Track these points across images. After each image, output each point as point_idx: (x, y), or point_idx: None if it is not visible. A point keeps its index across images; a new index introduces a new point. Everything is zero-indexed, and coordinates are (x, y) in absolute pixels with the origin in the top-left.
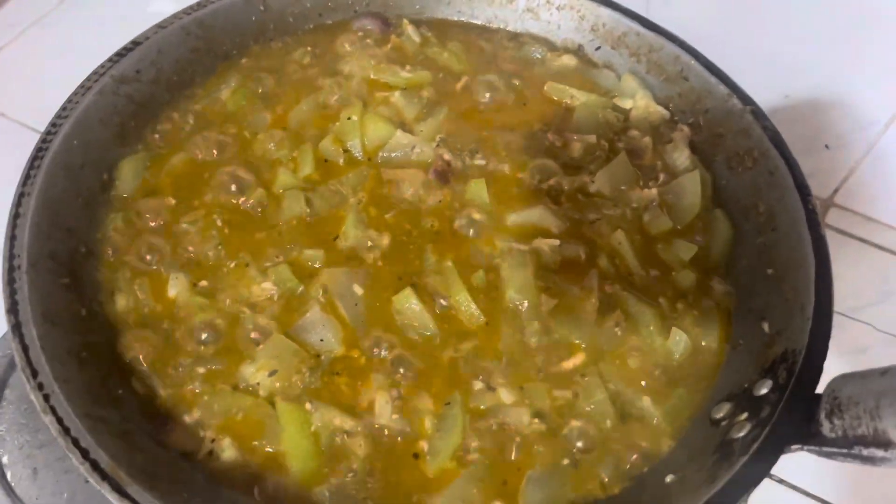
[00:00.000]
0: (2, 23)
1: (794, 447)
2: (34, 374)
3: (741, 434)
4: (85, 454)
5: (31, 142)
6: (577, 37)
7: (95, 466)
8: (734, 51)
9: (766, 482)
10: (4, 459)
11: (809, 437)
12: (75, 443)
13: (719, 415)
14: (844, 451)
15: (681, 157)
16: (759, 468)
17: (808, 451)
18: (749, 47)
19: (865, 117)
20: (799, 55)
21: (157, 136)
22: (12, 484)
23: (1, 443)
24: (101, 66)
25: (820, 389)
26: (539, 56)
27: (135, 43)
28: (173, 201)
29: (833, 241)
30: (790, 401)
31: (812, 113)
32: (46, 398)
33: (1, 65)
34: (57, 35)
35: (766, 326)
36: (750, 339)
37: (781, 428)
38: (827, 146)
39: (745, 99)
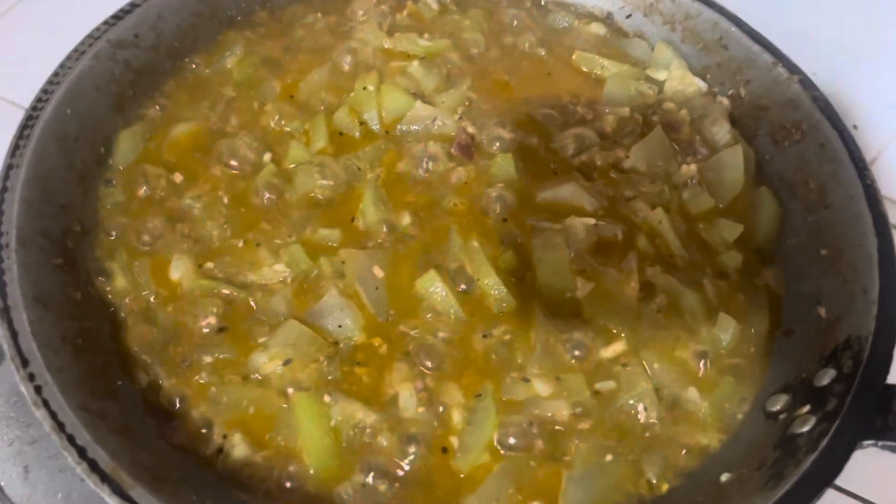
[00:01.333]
0: None
1: (867, 443)
2: (24, 363)
3: (805, 429)
4: (82, 453)
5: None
6: (606, 4)
7: (94, 467)
8: (761, 26)
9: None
10: None
11: (885, 431)
12: (71, 440)
13: (775, 407)
14: None
15: (721, 131)
16: (831, 465)
17: (883, 446)
18: (776, 23)
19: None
20: (828, 32)
21: (157, 106)
22: (1, 483)
23: None
24: (97, 28)
25: (891, 378)
26: (566, 24)
27: (133, 5)
28: (175, 176)
29: None
30: (860, 392)
31: (840, 92)
32: (38, 390)
33: None
34: (46, 11)
35: (822, 311)
36: (804, 325)
37: (852, 421)
38: (855, 126)
39: (792, 68)
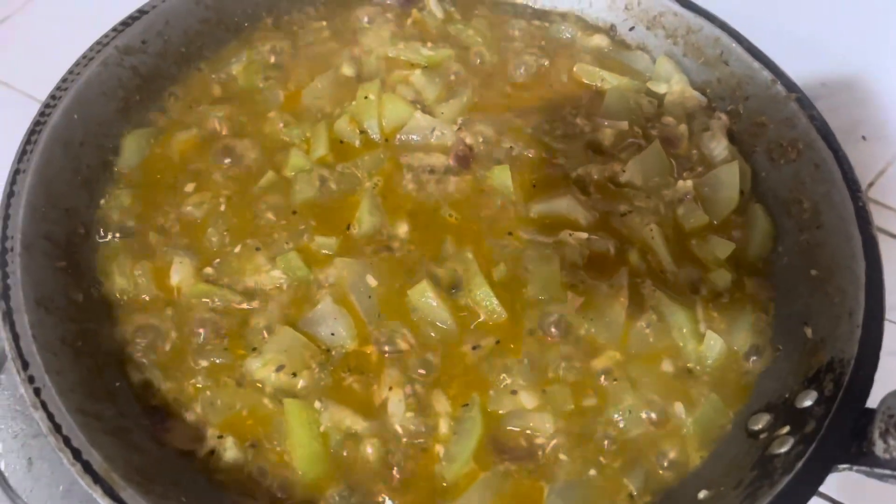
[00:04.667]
0: None
1: (842, 466)
2: (25, 365)
3: (783, 450)
4: (77, 454)
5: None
6: (609, 16)
7: (88, 468)
8: (770, 36)
9: None
10: None
11: (860, 456)
12: (67, 441)
13: (757, 426)
14: None
15: (718, 146)
16: (804, 488)
17: (858, 471)
18: (786, 32)
19: None
20: (838, 42)
21: (162, 112)
22: (6, 474)
23: None
24: (105, 35)
25: (870, 403)
26: (568, 36)
27: (141, 12)
28: (178, 182)
29: None
30: (838, 415)
31: (850, 103)
32: (37, 392)
33: (7, 33)
34: (65, 3)
35: (808, 332)
36: (791, 344)
37: (829, 445)
38: (864, 137)
39: (791, 86)
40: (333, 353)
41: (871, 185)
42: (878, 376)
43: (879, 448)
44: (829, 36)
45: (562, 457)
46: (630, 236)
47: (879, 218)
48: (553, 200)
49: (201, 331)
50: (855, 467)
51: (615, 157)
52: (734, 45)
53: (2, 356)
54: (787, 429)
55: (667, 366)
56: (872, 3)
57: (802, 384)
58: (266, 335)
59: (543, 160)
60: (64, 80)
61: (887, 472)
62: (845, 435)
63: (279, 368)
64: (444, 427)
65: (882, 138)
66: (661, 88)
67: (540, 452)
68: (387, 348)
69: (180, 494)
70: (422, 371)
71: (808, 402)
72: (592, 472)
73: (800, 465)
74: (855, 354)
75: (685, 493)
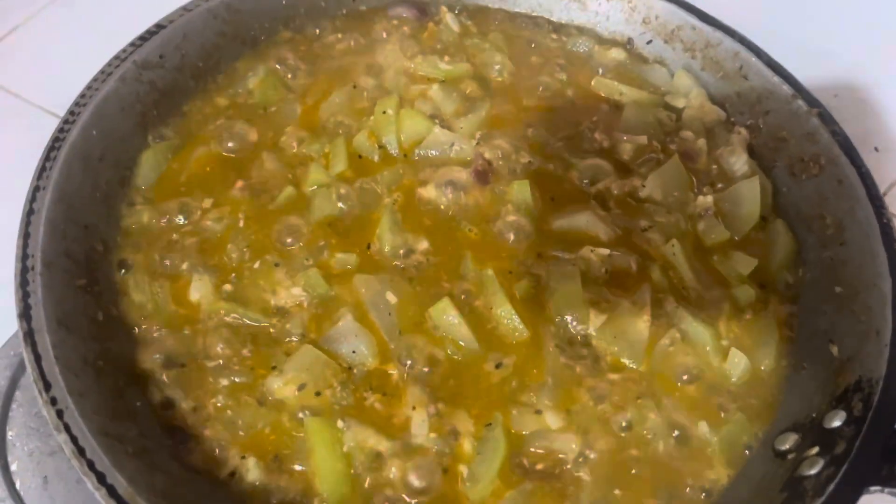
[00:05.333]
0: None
1: (873, 489)
2: (47, 386)
3: (814, 471)
4: (101, 478)
5: (47, 125)
6: (626, 29)
7: (112, 492)
8: (783, 46)
9: None
10: (14, 467)
11: (891, 477)
12: (91, 466)
13: (784, 446)
14: None
15: (738, 161)
16: None
17: (890, 493)
18: (798, 43)
19: None
20: (851, 53)
21: (180, 126)
22: (21, 493)
23: (10, 449)
24: (123, 50)
25: None
26: (586, 49)
27: (158, 26)
28: (196, 197)
29: None
30: (868, 436)
31: (862, 113)
32: (60, 414)
33: (17, 43)
34: (77, 13)
35: (834, 350)
36: (816, 363)
37: (860, 467)
38: (876, 148)
39: (812, 101)
40: (355, 371)
41: (883, 195)
42: None
43: None
44: (841, 47)
45: (586, 477)
46: (651, 252)
47: None
48: (573, 216)
49: (221, 349)
50: (887, 490)
51: (635, 172)
52: (754, 59)
53: (16, 373)
54: (816, 449)
55: (691, 384)
56: (884, 15)
57: (830, 404)
58: (287, 353)
59: (562, 175)
60: (82, 95)
61: None
62: (875, 456)
63: (301, 387)
64: (467, 447)
65: (894, 150)
66: (679, 102)
67: (565, 472)
68: (408, 366)
69: None
70: (444, 390)
71: (837, 423)
72: (617, 491)
73: (831, 487)
74: (884, 374)
75: None
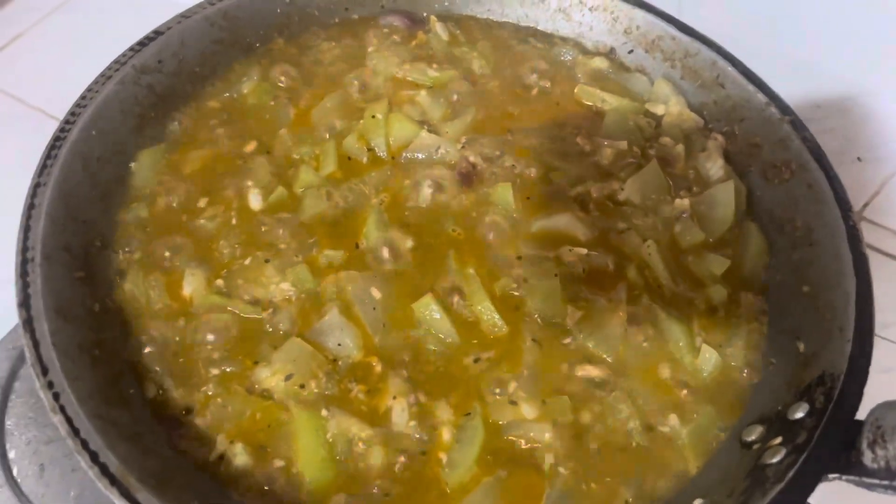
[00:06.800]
0: (24, 6)
1: (831, 476)
2: (44, 371)
3: (775, 460)
4: (94, 457)
5: (49, 129)
6: (609, 39)
7: (105, 470)
8: (766, 57)
9: None
10: (11, 455)
11: (849, 466)
12: (84, 445)
13: (751, 437)
14: (886, 482)
15: (714, 166)
16: (795, 497)
17: (847, 480)
18: (781, 54)
19: None
20: (833, 64)
21: (177, 128)
22: (18, 480)
23: (8, 437)
24: (123, 55)
25: (860, 415)
26: (570, 58)
27: (157, 32)
28: (191, 196)
29: None
30: (828, 427)
31: (844, 124)
32: (56, 397)
33: (22, 50)
34: (79, 20)
35: (801, 346)
36: (784, 359)
37: (819, 455)
38: (859, 158)
39: (784, 109)
40: (340, 363)
41: (866, 205)
42: (872, 392)
43: (867, 458)
44: (824, 59)
45: (560, 465)
46: (628, 252)
47: (875, 238)
48: (553, 217)
49: (212, 340)
50: (844, 477)
51: (614, 176)
52: (730, 68)
53: (15, 365)
54: (779, 440)
55: (663, 378)
56: (867, 27)
57: (795, 397)
58: (275, 345)
59: (545, 178)
60: (83, 97)
61: (875, 481)
62: (835, 446)
63: (288, 377)
64: (446, 435)
65: (877, 159)
66: (659, 110)
67: (539, 460)
68: (390, 359)
69: (191, 497)
70: (425, 381)
71: (799, 414)
72: (589, 480)
73: (791, 474)
74: (845, 369)
75: (680, 502)
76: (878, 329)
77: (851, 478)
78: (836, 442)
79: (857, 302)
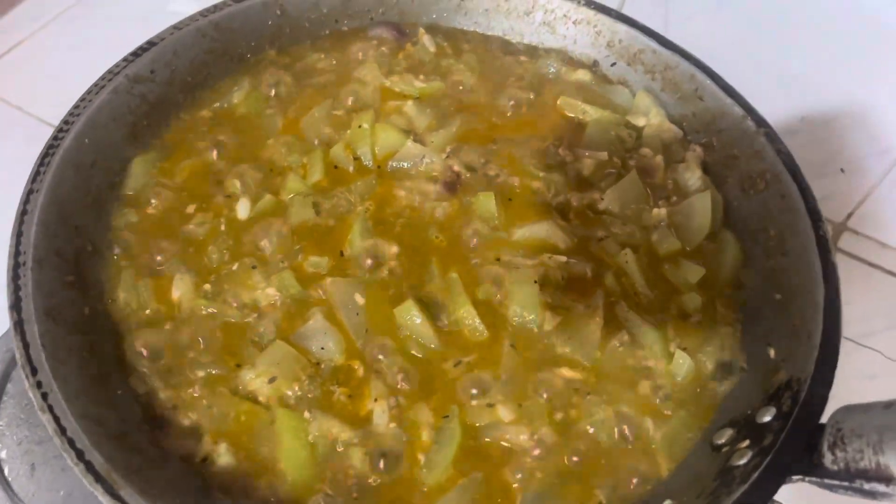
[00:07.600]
0: (23, 16)
1: (795, 477)
2: (34, 371)
3: (742, 462)
4: (80, 455)
5: (45, 137)
6: (592, 52)
7: (90, 468)
8: (752, 71)
9: None
10: (3, 455)
11: (811, 467)
12: (71, 443)
13: (721, 440)
14: (846, 483)
15: (693, 177)
16: (759, 497)
17: (810, 482)
18: (767, 68)
19: (883, 142)
20: (817, 77)
21: (168, 137)
22: (10, 479)
23: (0, 437)
24: (116, 65)
25: (824, 419)
26: (553, 70)
27: (150, 43)
28: (181, 203)
29: (845, 266)
30: (793, 430)
31: (828, 136)
32: (45, 396)
33: (20, 59)
34: (77, 31)
35: (771, 352)
36: (755, 364)
37: (783, 457)
38: (842, 170)
39: (760, 121)
40: (323, 366)
41: (849, 215)
42: (856, 399)
43: (828, 460)
44: (809, 72)
45: (536, 467)
46: (607, 260)
47: (858, 248)
48: (534, 225)
49: (199, 343)
50: (807, 478)
51: (595, 186)
52: (708, 81)
53: (8, 367)
54: (747, 442)
55: (638, 383)
56: (851, 40)
57: (764, 401)
58: (260, 348)
59: (527, 187)
60: (76, 105)
61: (835, 482)
62: (800, 448)
63: (272, 380)
64: (425, 436)
65: (860, 171)
66: (639, 121)
67: (515, 462)
68: (373, 363)
69: (175, 496)
70: (405, 384)
71: (767, 418)
72: (565, 481)
73: (756, 475)
74: (811, 373)
75: (652, 502)
76: (862, 337)
77: (814, 479)
78: (801, 445)
79: (825, 309)
